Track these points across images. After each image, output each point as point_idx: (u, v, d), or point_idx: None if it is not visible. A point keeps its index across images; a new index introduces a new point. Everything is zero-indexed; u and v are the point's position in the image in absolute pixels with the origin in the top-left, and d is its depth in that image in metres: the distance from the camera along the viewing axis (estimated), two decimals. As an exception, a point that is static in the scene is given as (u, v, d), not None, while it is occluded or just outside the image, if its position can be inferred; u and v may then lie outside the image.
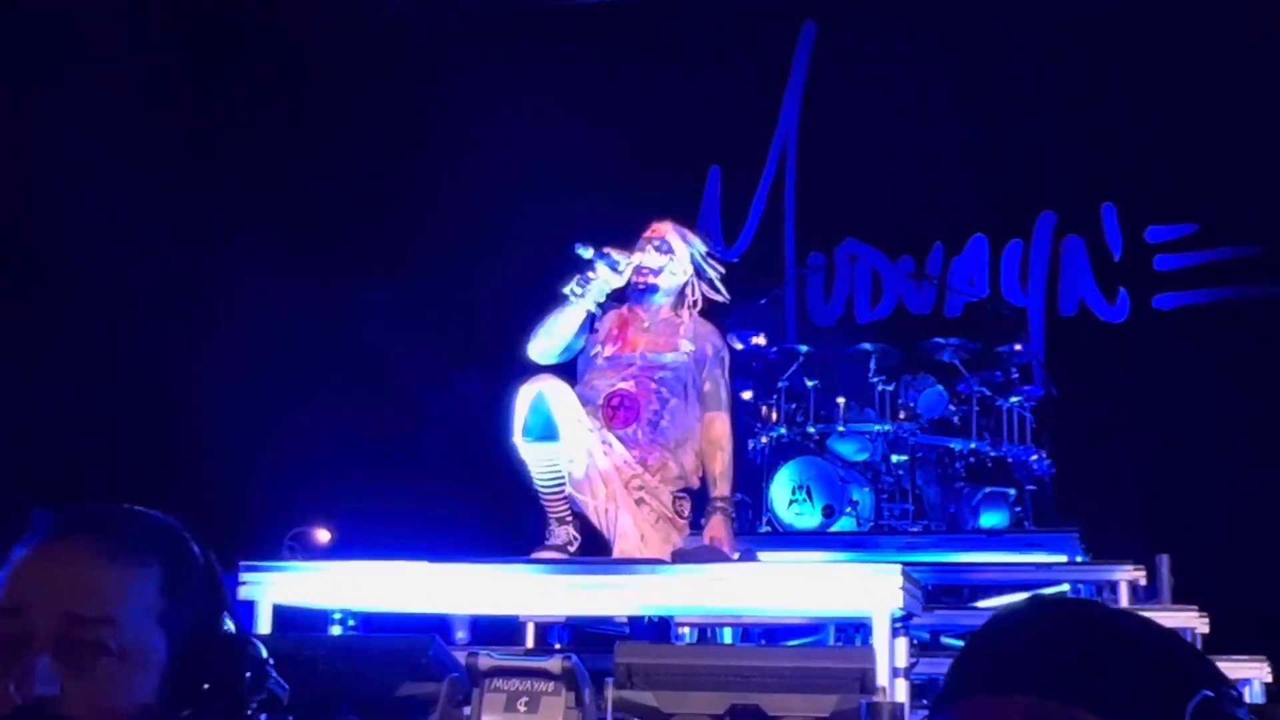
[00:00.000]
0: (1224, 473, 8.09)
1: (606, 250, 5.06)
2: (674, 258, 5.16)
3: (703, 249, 5.25)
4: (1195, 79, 8.81)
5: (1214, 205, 9.07)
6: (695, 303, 5.22)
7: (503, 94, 9.29)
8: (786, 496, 7.27)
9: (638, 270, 5.11)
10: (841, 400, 7.48)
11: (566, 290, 5.05)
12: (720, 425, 5.08)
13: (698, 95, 9.53)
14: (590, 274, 5.04)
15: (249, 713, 1.51)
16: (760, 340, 7.85)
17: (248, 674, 1.50)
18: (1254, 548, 7.72)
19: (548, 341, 5.10)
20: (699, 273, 5.22)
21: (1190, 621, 5.53)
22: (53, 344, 8.08)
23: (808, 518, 7.24)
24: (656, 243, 5.14)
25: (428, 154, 9.51)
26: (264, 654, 1.53)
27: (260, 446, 7.70)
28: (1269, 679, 5.64)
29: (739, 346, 7.76)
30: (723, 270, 5.30)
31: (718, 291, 5.25)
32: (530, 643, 5.44)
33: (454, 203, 9.39)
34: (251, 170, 8.92)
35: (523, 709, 4.15)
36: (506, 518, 5.93)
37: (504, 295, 8.49)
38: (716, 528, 4.97)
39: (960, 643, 6.25)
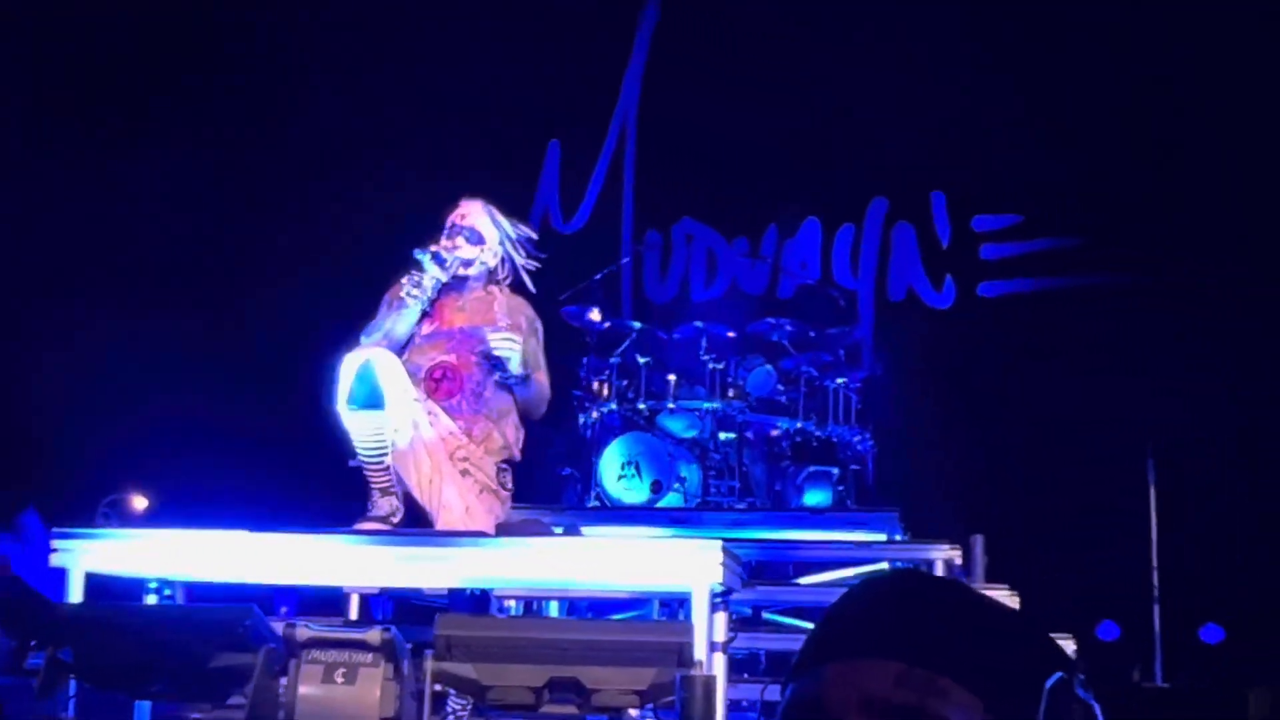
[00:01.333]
0: (1037, 457, 8.38)
1: (435, 248, 5.10)
2: (484, 247, 5.23)
3: (512, 232, 5.31)
4: (1022, 73, 9.05)
5: (1038, 197, 9.34)
6: (506, 277, 5.29)
7: (342, 63, 9.16)
8: (615, 471, 7.31)
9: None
10: (672, 377, 7.54)
11: (404, 294, 5.07)
12: (542, 376, 5.19)
13: (539, 69, 9.50)
14: (418, 274, 5.08)
15: None
16: (595, 316, 7.85)
17: None
18: (1064, 530, 8.01)
19: (384, 343, 5.09)
20: (507, 254, 5.28)
21: (1002, 600, 5.69)
22: None
23: (636, 493, 7.29)
24: (466, 233, 5.20)
25: (264, 124, 9.33)
26: None
27: (76, 411, 7.51)
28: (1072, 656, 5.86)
29: (585, 315, 7.76)
30: (533, 241, 5.38)
31: (525, 270, 5.31)
32: (355, 615, 5.40)
33: (291, 175, 9.24)
34: (79, 132, 8.66)
35: (340, 680, 4.11)
36: (328, 488, 5.86)
37: (337, 264, 8.40)
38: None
39: (783, 619, 6.37)
